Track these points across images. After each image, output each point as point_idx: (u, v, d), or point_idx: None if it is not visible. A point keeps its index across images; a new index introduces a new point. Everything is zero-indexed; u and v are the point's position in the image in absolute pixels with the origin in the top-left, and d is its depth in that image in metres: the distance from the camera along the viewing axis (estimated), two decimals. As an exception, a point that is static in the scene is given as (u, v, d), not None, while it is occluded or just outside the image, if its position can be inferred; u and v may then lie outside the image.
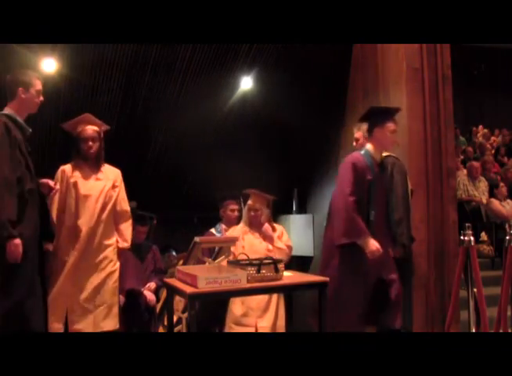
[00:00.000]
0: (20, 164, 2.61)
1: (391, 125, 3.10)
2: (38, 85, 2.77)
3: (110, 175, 3.24)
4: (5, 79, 2.75)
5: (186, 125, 5.38)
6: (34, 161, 2.77)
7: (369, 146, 3.12)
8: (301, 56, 5.08)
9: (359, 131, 3.46)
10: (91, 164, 3.18)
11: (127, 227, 3.26)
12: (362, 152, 3.10)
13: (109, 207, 3.14)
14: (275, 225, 3.88)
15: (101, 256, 3.05)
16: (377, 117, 3.13)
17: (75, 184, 3.09)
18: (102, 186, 3.14)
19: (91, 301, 2.96)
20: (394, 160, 3.35)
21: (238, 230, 3.82)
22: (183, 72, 5.08)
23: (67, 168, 3.15)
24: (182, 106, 5.34)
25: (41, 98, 2.80)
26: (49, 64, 4.57)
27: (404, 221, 3.18)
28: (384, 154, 3.41)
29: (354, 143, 3.50)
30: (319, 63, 5.15)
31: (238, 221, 4.21)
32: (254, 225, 3.82)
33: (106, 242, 3.09)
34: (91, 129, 3.16)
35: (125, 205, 3.26)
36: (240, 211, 4.23)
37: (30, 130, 2.79)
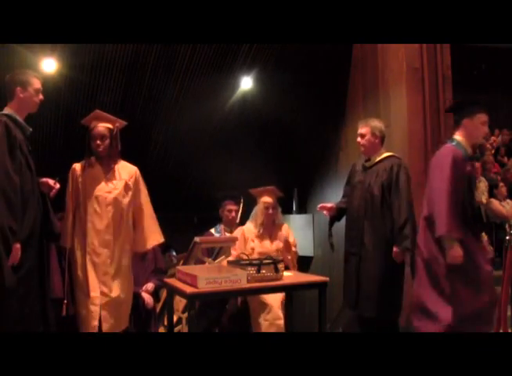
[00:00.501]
0: (21, 164, 2.61)
1: (482, 116, 2.93)
2: (37, 84, 2.75)
3: (124, 174, 3.10)
4: (5, 79, 2.75)
5: (186, 125, 5.38)
6: (35, 161, 2.77)
7: (458, 138, 2.92)
8: (301, 56, 5.07)
9: (367, 127, 3.39)
10: (103, 163, 3.07)
11: (146, 227, 3.12)
12: (454, 143, 2.90)
13: (121, 207, 3.02)
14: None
15: (115, 258, 2.98)
16: (467, 108, 2.96)
17: (84, 183, 3.02)
18: (112, 187, 3.04)
19: (112, 303, 2.93)
20: (399, 161, 3.32)
21: (246, 231, 3.76)
22: (183, 72, 5.08)
23: (78, 166, 3.07)
24: (182, 106, 5.34)
25: (41, 97, 2.78)
26: (49, 64, 4.57)
27: (408, 224, 3.14)
28: (387, 154, 3.39)
29: (358, 139, 3.42)
30: (318, 63, 5.15)
31: (236, 221, 4.20)
32: (266, 225, 3.73)
33: (121, 243, 3.01)
34: (101, 127, 3.03)
35: (146, 205, 3.13)
36: (238, 211, 4.22)
37: (31, 129, 2.78)
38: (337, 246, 3.83)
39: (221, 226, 4.17)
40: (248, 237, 3.73)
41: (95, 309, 2.90)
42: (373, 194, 3.28)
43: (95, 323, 2.88)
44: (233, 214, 4.15)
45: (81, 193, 3.03)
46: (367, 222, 3.28)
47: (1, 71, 3.63)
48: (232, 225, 4.14)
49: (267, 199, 3.72)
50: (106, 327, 2.89)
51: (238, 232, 3.82)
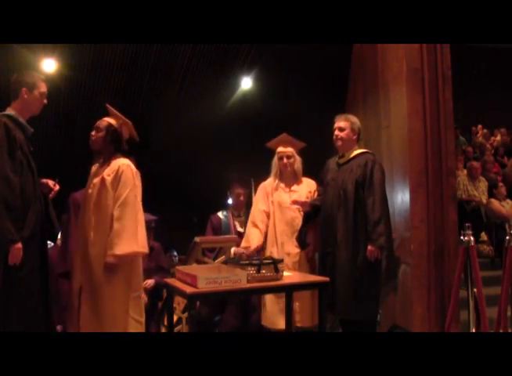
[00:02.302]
0: (22, 165, 2.61)
1: None
2: (43, 88, 2.75)
3: (108, 170, 2.92)
4: (11, 79, 2.76)
5: (186, 125, 5.39)
6: (36, 161, 2.77)
7: None
8: (301, 56, 5.08)
9: (346, 122, 3.36)
10: (102, 159, 3.02)
11: (112, 236, 2.80)
12: None
13: (100, 204, 2.87)
14: (306, 179, 3.72)
15: (96, 256, 2.87)
16: None
17: (87, 178, 3.04)
18: (94, 184, 2.94)
19: (92, 300, 2.88)
20: (373, 158, 3.29)
21: (267, 185, 3.68)
22: (183, 72, 5.09)
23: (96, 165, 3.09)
24: (182, 106, 5.35)
25: (45, 101, 2.78)
26: (49, 64, 4.58)
27: (383, 221, 3.09)
28: (361, 151, 3.38)
29: (336, 132, 3.36)
30: (319, 63, 5.15)
31: (245, 206, 4.09)
32: (286, 177, 3.62)
33: (103, 242, 2.86)
34: (102, 120, 3.02)
35: (126, 206, 2.82)
36: (247, 196, 4.11)
37: (32, 130, 2.78)
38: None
39: (229, 211, 4.11)
40: (268, 192, 3.63)
41: (75, 303, 2.90)
42: (346, 190, 3.22)
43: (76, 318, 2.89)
44: (241, 198, 4.04)
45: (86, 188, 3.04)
46: (340, 220, 3.21)
47: (1, 71, 3.64)
48: (240, 209, 4.06)
49: (280, 148, 3.63)
50: (84, 323, 2.85)
51: (260, 188, 3.72)
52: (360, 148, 3.43)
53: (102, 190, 2.88)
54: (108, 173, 2.90)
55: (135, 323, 2.90)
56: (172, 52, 4.86)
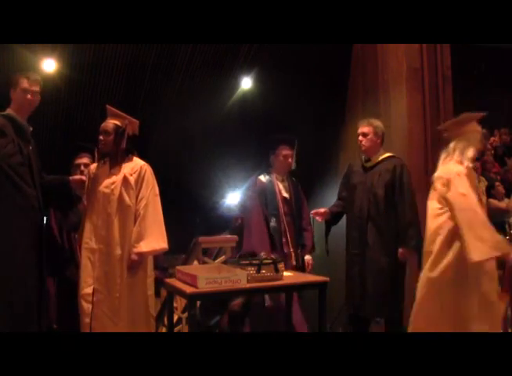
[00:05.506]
0: (22, 165, 2.64)
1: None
2: (23, 84, 2.76)
3: (127, 169, 2.97)
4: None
5: (186, 125, 5.38)
6: (35, 161, 2.78)
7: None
8: (301, 56, 5.07)
9: (369, 127, 3.36)
10: (111, 160, 3.02)
11: (138, 234, 2.92)
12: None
13: (120, 204, 2.92)
14: None
15: (113, 255, 2.89)
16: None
17: (93, 179, 3.02)
18: (111, 182, 2.96)
19: (106, 301, 2.88)
20: (401, 162, 3.34)
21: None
22: (183, 72, 5.08)
23: (94, 164, 3.10)
24: (182, 106, 5.34)
25: (30, 96, 2.77)
26: (49, 64, 4.57)
27: (414, 224, 3.17)
28: (387, 154, 3.39)
29: (360, 137, 3.37)
30: (319, 63, 5.15)
31: (292, 168, 3.82)
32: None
33: (121, 240, 2.91)
34: (108, 122, 3.00)
35: (148, 206, 2.96)
36: (293, 157, 3.78)
37: (31, 128, 2.82)
38: (335, 246, 3.82)
39: (273, 174, 3.75)
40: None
41: (86, 306, 2.87)
42: (376, 195, 3.27)
43: (87, 320, 2.86)
44: (289, 160, 3.71)
45: (90, 188, 3.03)
46: (371, 223, 3.28)
47: (1, 71, 3.64)
48: (284, 173, 3.77)
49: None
50: (97, 326, 2.84)
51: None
52: (385, 151, 3.44)
53: (126, 190, 2.96)
54: (130, 173, 2.99)
55: (151, 319, 3.04)
56: (172, 52, 4.85)
